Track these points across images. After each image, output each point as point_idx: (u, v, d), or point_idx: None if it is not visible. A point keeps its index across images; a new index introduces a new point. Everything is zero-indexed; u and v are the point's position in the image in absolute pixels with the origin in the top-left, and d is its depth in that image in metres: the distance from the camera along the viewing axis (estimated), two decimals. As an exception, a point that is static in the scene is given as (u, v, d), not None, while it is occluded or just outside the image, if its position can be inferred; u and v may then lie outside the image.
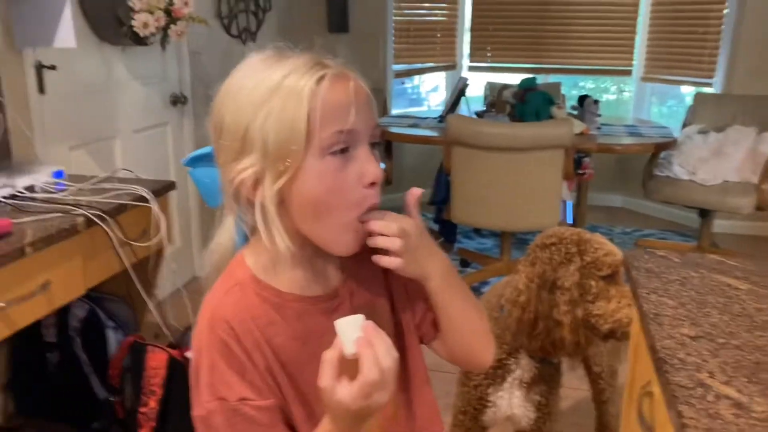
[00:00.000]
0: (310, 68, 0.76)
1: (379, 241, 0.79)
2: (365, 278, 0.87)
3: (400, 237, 0.79)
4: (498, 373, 1.52)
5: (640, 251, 1.29)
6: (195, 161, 0.94)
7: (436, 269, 0.84)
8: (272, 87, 0.75)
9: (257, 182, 0.76)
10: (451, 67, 4.85)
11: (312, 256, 0.81)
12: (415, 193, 0.84)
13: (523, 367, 1.50)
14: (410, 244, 0.79)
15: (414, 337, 0.92)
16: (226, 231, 0.85)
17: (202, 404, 0.76)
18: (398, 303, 0.90)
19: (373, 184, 0.77)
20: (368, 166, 0.77)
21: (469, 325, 0.90)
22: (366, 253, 0.81)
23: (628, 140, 3.33)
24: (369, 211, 0.78)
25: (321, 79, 0.75)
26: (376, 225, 0.78)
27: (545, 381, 1.51)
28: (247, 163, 0.76)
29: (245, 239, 0.85)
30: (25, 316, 1.58)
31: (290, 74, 0.75)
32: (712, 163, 3.50)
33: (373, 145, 0.79)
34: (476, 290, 3.31)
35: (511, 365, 1.50)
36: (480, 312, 0.91)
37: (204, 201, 0.92)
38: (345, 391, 0.69)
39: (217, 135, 0.79)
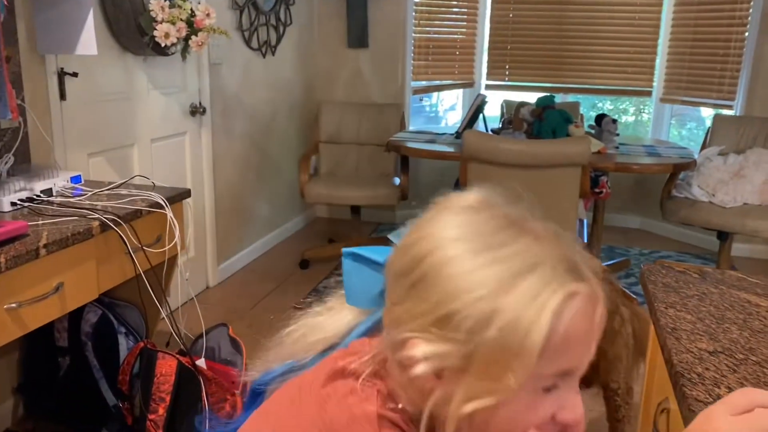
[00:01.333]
0: (563, 278, 0.59)
1: None
2: None
3: None
4: None
5: (657, 266, 1.27)
6: (354, 255, 0.79)
7: None
8: (507, 281, 0.58)
9: (439, 373, 0.61)
10: (469, 84, 4.86)
11: None
12: None
13: None
14: None
15: None
16: (339, 322, 0.74)
17: None
18: None
19: (568, 427, 0.63)
20: (572, 405, 0.62)
21: None
22: None
23: (646, 160, 3.30)
24: None
25: (571, 296, 0.59)
26: None
27: None
28: (435, 351, 0.60)
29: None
30: (38, 317, 1.58)
31: (534, 273, 0.58)
32: (731, 185, 3.46)
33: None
34: (490, 308, 3.28)
35: None
36: None
37: (345, 293, 0.78)
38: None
39: (406, 286, 0.63)
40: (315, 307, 0.78)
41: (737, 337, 0.97)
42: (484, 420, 0.60)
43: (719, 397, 0.81)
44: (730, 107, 4.18)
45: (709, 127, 3.98)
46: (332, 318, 0.76)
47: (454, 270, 0.59)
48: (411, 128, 4.39)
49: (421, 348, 0.60)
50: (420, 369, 0.60)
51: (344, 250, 0.78)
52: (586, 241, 3.15)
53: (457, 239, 0.61)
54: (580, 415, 0.62)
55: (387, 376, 0.65)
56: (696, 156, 3.53)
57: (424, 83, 4.71)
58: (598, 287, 0.61)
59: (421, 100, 5.05)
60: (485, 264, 0.59)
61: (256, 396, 0.79)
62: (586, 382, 1.45)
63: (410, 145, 3.53)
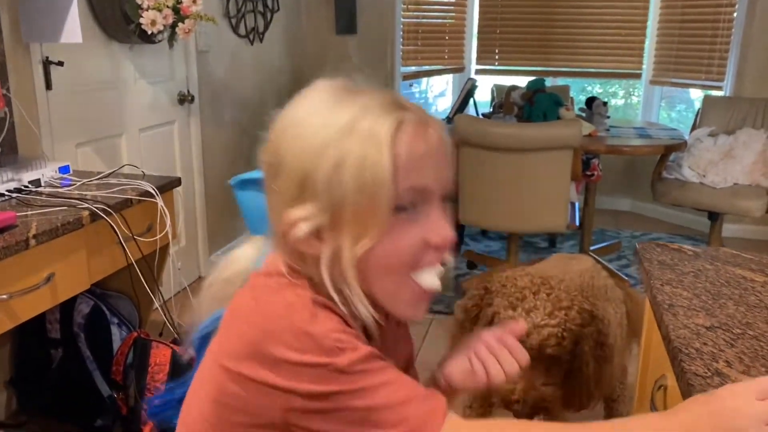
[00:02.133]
0: (388, 108, 0.66)
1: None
2: (395, 342, 0.81)
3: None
4: None
5: (651, 244, 1.27)
6: (243, 184, 0.86)
7: None
8: (342, 128, 0.65)
9: (314, 234, 0.67)
10: (459, 69, 4.84)
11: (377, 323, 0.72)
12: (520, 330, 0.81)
13: None
14: None
15: None
16: (247, 253, 0.79)
17: (340, 357, 0.63)
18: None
19: (439, 247, 0.68)
20: (438, 226, 0.68)
21: None
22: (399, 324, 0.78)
23: (637, 142, 3.31)
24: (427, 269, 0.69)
25: (402, 123, 0.65)
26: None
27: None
28: (304, 212, 0.66)
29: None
30: (29, 308, 1.57)
31: (365, 115, 0.65)
32: (722, 165, 3.47)
33: (444, 201, 0.70)
34: (483, 292, 3.28)
35: None
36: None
37: (247, 227, 0.85)
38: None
39: (272, 173, 0.69)
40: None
41: (734, 312, 0.97)
42: (371, 261, 0.66)
43: (718, 371, 0.81)
44: (719, 88, 4.18)
45: (699, 109, 3.99)
46: (243, 253, 0.80)
47: (299, 137, 0.67)
48: (401, 114, 4.37)
49: (293, 214, 0.66)
50: (300, 232, 0.66)
51: (231, 181, 0.85)
52: (578, 224, 3.15)
53: (300, 113, 0.68)
54: (447, 235, 0.68)
55: (299, 265, 0.70)
56: (686, 137, 3.54)
57: (413, 69, 4.69)
58: (423, 114, 0.68)
59: (411, 86, 5.03)
60: (325, 123, 0.66)
61: (199, 351, 0.81)
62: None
63: (401, 130, 3.51)
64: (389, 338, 0.78)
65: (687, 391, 0.78)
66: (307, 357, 0.62)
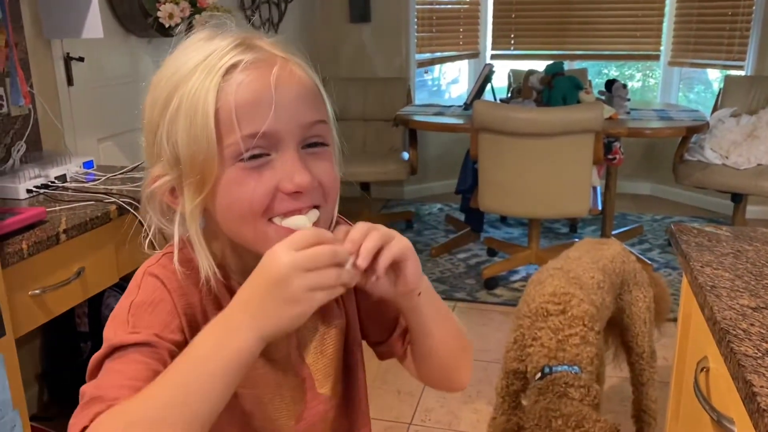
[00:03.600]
0: (225, 53, 0.64)
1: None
2: None
3: (384, 243, 0.63)
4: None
5: (686, 225, 1.25)
6: None
7: (423, 282, 0.71)
8: (185, 76, 0.64)
9: (173, 191, 0.68)
10: (474, 55, 4.80)
11: (240, 269, 0.71)
12: None
13: None
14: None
15: (360, 352, 0.85)
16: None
17: (109, 340, 0.65)
18: (351, 317, 0.82)
19: (296, 193, 0.65)
20: (290, 172, 0.64)
21: (449, 345, 0.79)
22: None
23: (658, 124, 3.27)
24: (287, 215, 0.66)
25: (233, 68, 0.63)
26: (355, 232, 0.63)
27: None
28: (159, 170, 0.68)
29: None
30: (61, 302, 1.58)
31: (204, 60, 0.64)
32: (745, 146, 3.42)
33: (315, 146, 0.67)
34: (504, 279, 3.27)
35: None
36: (460, 331, 0.81)
37: None
38: (290, 252, 0.58)
39: (142, 129, 0.70)
40: None
41: (778, 293, 0.95)
42: (222, 211, 0.66)
43: (768, 351, 0.80)
44: (740, 68, 4.12)
45: (720, 89, 3.93)
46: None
47: (151, 91, 0.67)
48: (416, 102, 4.35)
49: (153, 172, 0.68)
50: (158, 187, 0.68)
51: None
52: (600, 208, 3.13)
53: (165, 62, 0.68)
54: (302, 181, 0.64)
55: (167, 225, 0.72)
56: (708, 118, 3.49)
57: (428, 55, 4.66)
58: (271, 51, 0.66)
59: (426, 72, 5.00)
60: (175, 71, 0.65)
61: None
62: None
63: (418, 118, 3.49)
64: None
65: (737, 372, 0.77)
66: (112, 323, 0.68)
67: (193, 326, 0.68)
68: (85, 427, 0.58)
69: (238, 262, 0.72)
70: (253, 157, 0.64)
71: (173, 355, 0.63)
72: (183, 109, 0.64)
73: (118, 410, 0.58)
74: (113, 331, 0.66)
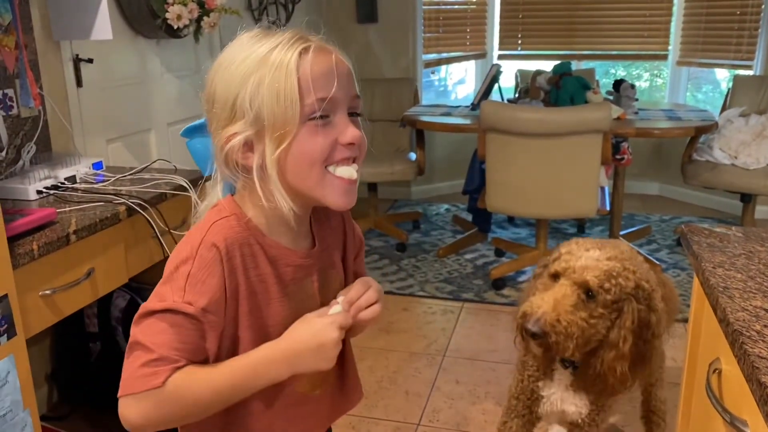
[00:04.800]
0: (294, 42, 0.83)
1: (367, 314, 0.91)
2: (329, 245, 0.98)
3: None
4: (547, 371, 1.49)
5: (697, 226, 1.25)
6: (192, 132, 1.00)
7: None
8: (260, 59, 0.82)
9: (247, 146, 0.84)
10: (481, 55, 4.80)
11: (297, 217, 0.88)
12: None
13: (560, 372, 1.48)
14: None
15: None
16: (216, 194, 0.92)
17: (164, 300, 0.81)
18: (348, 273, 1.03)
19: (350, 144, 0.84)
20: (345, 128, 0.84)
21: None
22: (332, 220, 0.98)
23: (666, 124, 3.25)
24: (341, 164, 0.85)
25: (305, 50, 0.82)
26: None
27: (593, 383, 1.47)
28: (236, 128, 0.83)
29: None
30: (71, 303, 1.59)
31: (276, 47, 0.82)
32: (754, 146, 3.40)
33: (354, 115, 0.87)
34: (512, 279, 3.27)
35: (552, 365, 1.48)
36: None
37: (200, 168, 0.99)
38: (318, 319, 0.86)
39: (210, 105, 0.86)
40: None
41: (791, 294, 0.95)
42: (293, 160, 0.83)
43: (782, 353, 0.79)
44: (749, 68, 4.10)
45: (728, 88, 3.91)
46: (213, 193, 0.93)
47: (227, 70, 0.84)
48: (423, 103, 4.35)
49: (228, 131, 0.83)
50: (234, 143, 0.83)
51: (182, 132, 1.01)
52: (608, 208, 3.12)
53: (226, 56, 0.85)
54: (355, 135, 0.84)
55: (235, 180, 0.88)
56: (717, 118, 3.48)
57: (435, 56, 4.66)
58: (324, 42, 0.85)
59: (433, 73, 5.00)
60: (245, 57, 0.83)
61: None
62: None
63: (425, 119, 3.49)
64: (326, 234, 0.97)
65: (751, 374, 0.77)
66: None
67: (233, 286, 0.85)
68: (158, 386, 0.79)
69: (274, 219, 0.88)
70: (320, 117, 0.82)
71: (213, 327, 0.83)
72: (267, 79, 0.81)
73: (187, 385, 0.81)
74: (170, 292, 0.82)
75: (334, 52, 0.85)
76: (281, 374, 0.84)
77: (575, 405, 1.49)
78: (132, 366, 0.80)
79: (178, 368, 0.80)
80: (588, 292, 1.29)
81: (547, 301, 1.27)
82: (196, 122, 0.97)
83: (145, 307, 0.82)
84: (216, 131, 0.85)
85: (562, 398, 1.50)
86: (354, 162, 0.87)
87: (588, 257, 1.32)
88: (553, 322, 1.25)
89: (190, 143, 1.00)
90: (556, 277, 1.34)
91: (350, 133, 0.84)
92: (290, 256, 0.90)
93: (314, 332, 0.85)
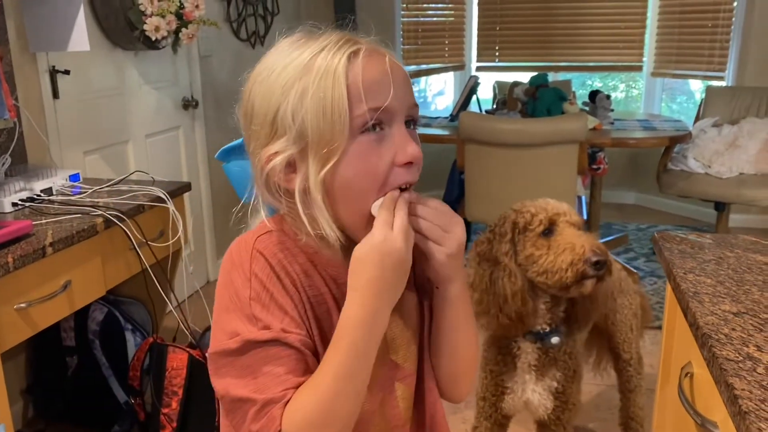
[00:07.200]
0: (341, 45, 0.72)
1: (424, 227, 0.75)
2: None
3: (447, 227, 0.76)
4: (507, 359, 1.50)
5: (669, 234, 1.27)
6: (227, 154, 0.90)
7: (461, 274, 0.80)
8: (303, 66, 0.71)
9: (290, 167, 0.73)
10: (460, 67, 4.84)
11: (344, 248, 0.76)
12: None
13: (525, 350, 1.48)
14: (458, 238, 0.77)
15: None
16: (259, 220, 0.81)
17: (234, 335, 0.71)
18: (423, 298, 0.87)
19: (409, 164, 0.73)
20: (404, 145, 0.72)
21: (468, 349, 0.86)
22: None
23: (641, 134, 3.31)
24: (403, 190, 0.74)
25: (354, 54, 0.71)
26: (423, 210, 0.75)
27: (558, 367, 1.48)
28: (278, 146, 0.72)
29: None
30: (47, 316, 1.57)
31: (321, 52, 0.71)
32: (727, 155, 3.47)
33: (410, 124, 0.75)
34: (492, 289, 3.28)
35: (514, 349, 1.48)
36: (477, 341, 0.87)
37: (237, 194, 0.88)
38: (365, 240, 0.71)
39: (248, 121, 0.76)
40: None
41: (759, 298, 0.97)
42: (342, 182, 0.72)
43: (749, 355, 0.81)
44: (721, 78, 4.19)
45: (702, 99, 3.99)
46: (256, 218, 0.82)
47: (265, 81, 0.73)
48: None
49: (269, 150, 0.73)
50: (275, 163, 0.72)
51: (216, 155, 0.92)
52: (585, 218, 3.16)
53: (265, 64, 0.75)
54: (413, 151, 0.72)
55: (277, 205, 0.78)
56: (690, 128, 3.54)
57: (414, 68, 4.69)
58: (374, 45, 0.75)
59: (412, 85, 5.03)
60: (286, 65, 0.72)
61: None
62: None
63: (405, 130, 3.50)
64: None
65: (720, 376, 0.79)
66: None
67: (295, 298, 0.74)
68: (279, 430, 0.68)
69: (323, 243, 0.77)
70: (373, 128, 0.71)
71: (302, 343, 0.72)
72: (312, 89, 0.70)
73: (299, 406, 0.69)
74: (241, 325, 0.71)
75: (387, 55, 0.74)
76: (383, 317, 0.71)
77: (539, 394, 1.49)
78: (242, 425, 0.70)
79: (288, 402, 0.69)
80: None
81: (583, 237, 1.30)
82: (232, 143, 0.88)
83: (219, 350, 0.72)
84: (255, 151, 0.75)
85: (524, 387, 1.50)
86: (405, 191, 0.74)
87: (553, 203, 1.42)
88: (604, 248, 1.29)
89: (226, 166, 0.91)
90: (550, 227, 1.37)
91: (409, 149, 0.72)
92: (333, 266, 0.78)
93: (382, 251, 0.70)
